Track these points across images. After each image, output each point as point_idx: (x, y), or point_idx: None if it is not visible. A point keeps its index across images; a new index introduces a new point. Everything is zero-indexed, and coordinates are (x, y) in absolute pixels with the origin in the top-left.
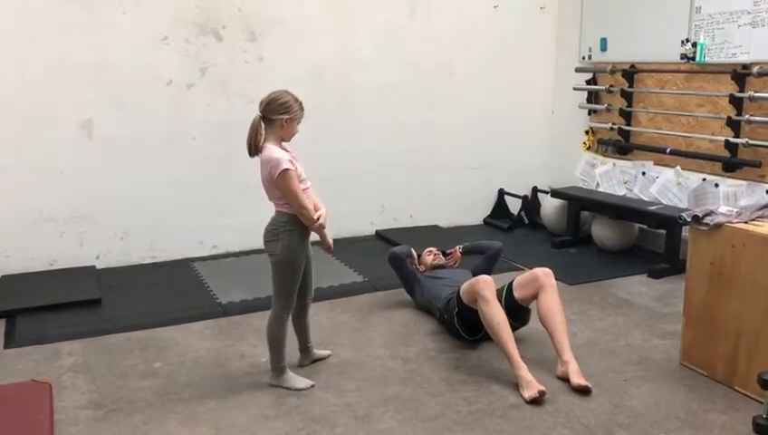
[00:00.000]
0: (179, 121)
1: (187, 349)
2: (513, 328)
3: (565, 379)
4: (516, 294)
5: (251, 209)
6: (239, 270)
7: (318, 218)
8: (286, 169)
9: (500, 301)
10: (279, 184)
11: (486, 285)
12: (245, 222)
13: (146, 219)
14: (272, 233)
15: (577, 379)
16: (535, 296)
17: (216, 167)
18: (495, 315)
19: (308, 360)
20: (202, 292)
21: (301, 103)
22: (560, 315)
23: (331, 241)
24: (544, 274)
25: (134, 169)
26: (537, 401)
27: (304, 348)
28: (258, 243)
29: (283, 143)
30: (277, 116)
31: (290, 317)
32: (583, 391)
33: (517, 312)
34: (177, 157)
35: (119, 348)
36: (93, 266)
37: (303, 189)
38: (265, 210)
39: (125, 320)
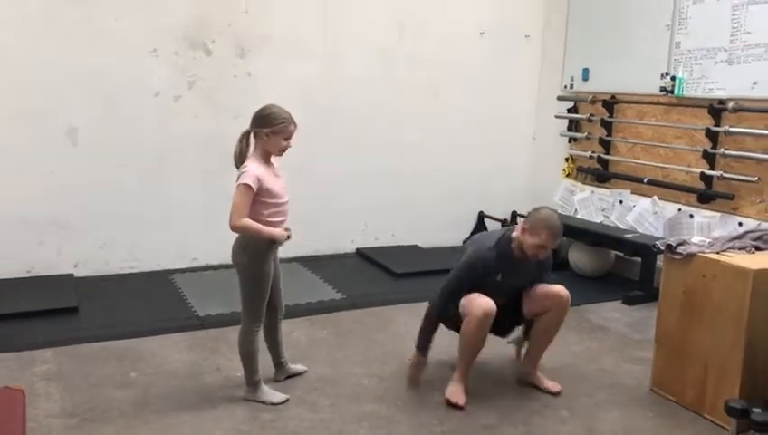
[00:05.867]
0: (165, 133)
1: (163, 360)
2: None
3: (526, 382)
4: (526, 308)
5: None
6: (218, 283)
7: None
8: (244, 184)
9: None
10: (234, 193)
11: (487, 314)
12: (226, 235)
13: (126, 229)
14: (240, 245)
15: (548, 383)
16: (543, 312)
17: (199, 179)
18: (480, 340)
19: (283, 375)
20: (180, 304)
21: (288, 118)
22: (554, 335)
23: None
24: (566, 297)
25: (117, 177)
26: (449, 405)
27: (278, 363)
28: None
29: (273, 158)
30: (258, 129)
31: (260, 332)
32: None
33: (513, 320)
34: (160, 168)
35: (94, 357)
36: (71, 275)
37: (283, 203)
38: None
39: (102, 329)
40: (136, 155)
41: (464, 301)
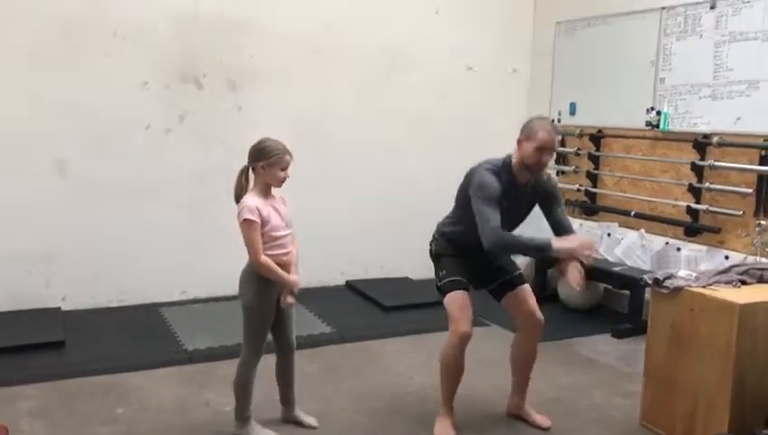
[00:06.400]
0: (155, 166)
1: (150, 395)
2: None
3: (515, 416)
4: (504, 301)
5: (221, 256)
6: (207, 317)
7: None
8: (246, 220)
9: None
10: (241, 231)
11: (463, 339)
12: (215, 269)
13: (115, 262)
14: (246, 275)
15: (537, 417)
16: (513, 316)
17: (188, 213)
18: (458, 364)
19: (288, 415)
20: (168, 338)
21: (282, 149)
22: (533, 360)
23: (290, 300)
24: (541, 324)
25: (106, 211)
26: None
27: (286, 400)
28: (226, 290)
29: (273, 189)
30: (255, 163)
31: (258, 366)
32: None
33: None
34: (150, 201)
35: (80, 392)
36: (58, 308)
37: (281, 236)
38: (236, 258)
39: (89, 364)
40: (125, 188)
41: (447, 300)
